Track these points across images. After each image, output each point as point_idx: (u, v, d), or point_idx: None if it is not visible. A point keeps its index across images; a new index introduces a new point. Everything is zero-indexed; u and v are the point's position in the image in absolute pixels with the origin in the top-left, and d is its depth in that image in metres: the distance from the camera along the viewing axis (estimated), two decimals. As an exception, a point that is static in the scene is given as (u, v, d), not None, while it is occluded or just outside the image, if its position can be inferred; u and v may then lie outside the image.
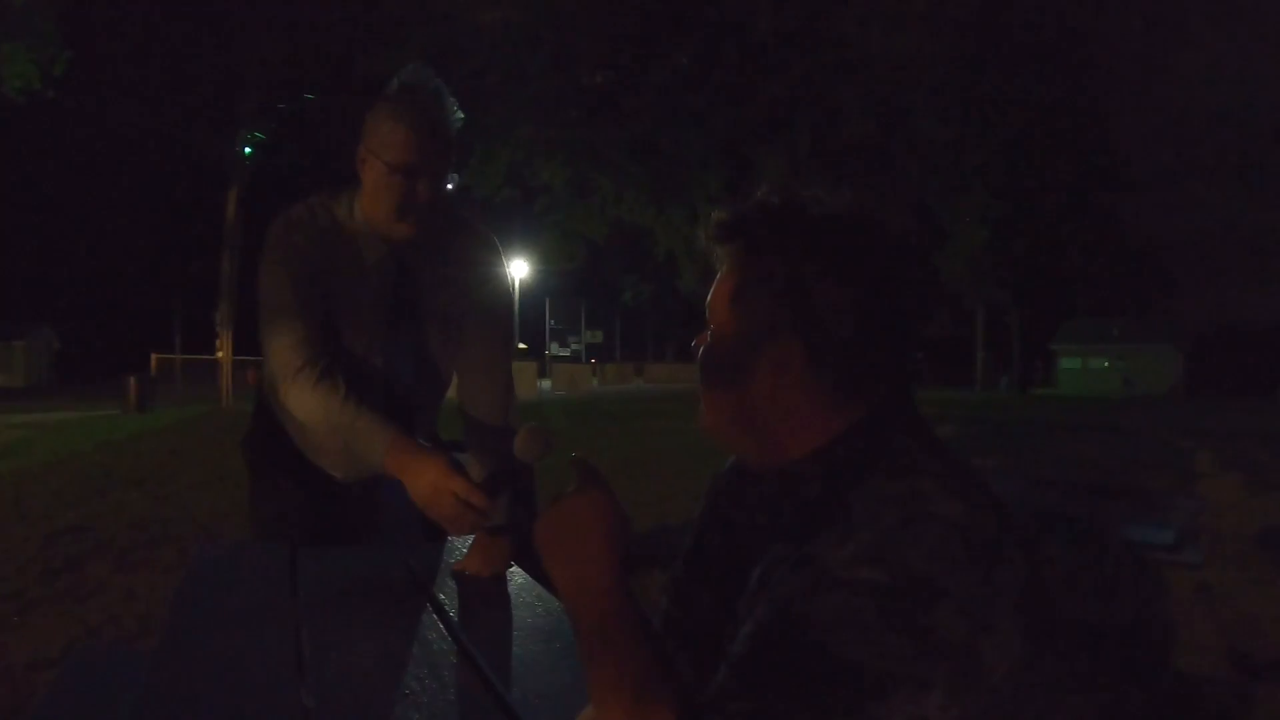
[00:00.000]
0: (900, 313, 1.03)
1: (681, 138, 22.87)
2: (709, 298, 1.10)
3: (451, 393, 2.37)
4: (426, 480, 1.78)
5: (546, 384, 40.78)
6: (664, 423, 19.18)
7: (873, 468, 0.95)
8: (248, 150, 22.98)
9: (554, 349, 62.87)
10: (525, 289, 45.41)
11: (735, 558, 1.13)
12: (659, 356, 69.25)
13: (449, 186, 2.09)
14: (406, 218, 2.05)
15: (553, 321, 63.09)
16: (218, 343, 25.08)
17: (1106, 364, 54.12)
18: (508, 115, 21.22)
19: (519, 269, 39.56)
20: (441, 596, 1.80)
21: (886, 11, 21.46)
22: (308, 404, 1.99)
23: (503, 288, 2.31)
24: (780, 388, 1.02)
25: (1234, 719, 3.52)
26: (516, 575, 1.99)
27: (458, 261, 2.23)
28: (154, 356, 28.55)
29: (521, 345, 49.70)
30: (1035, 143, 31.33)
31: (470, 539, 2.05)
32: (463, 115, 2.06)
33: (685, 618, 1.24)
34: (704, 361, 1.09)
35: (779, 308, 1.01)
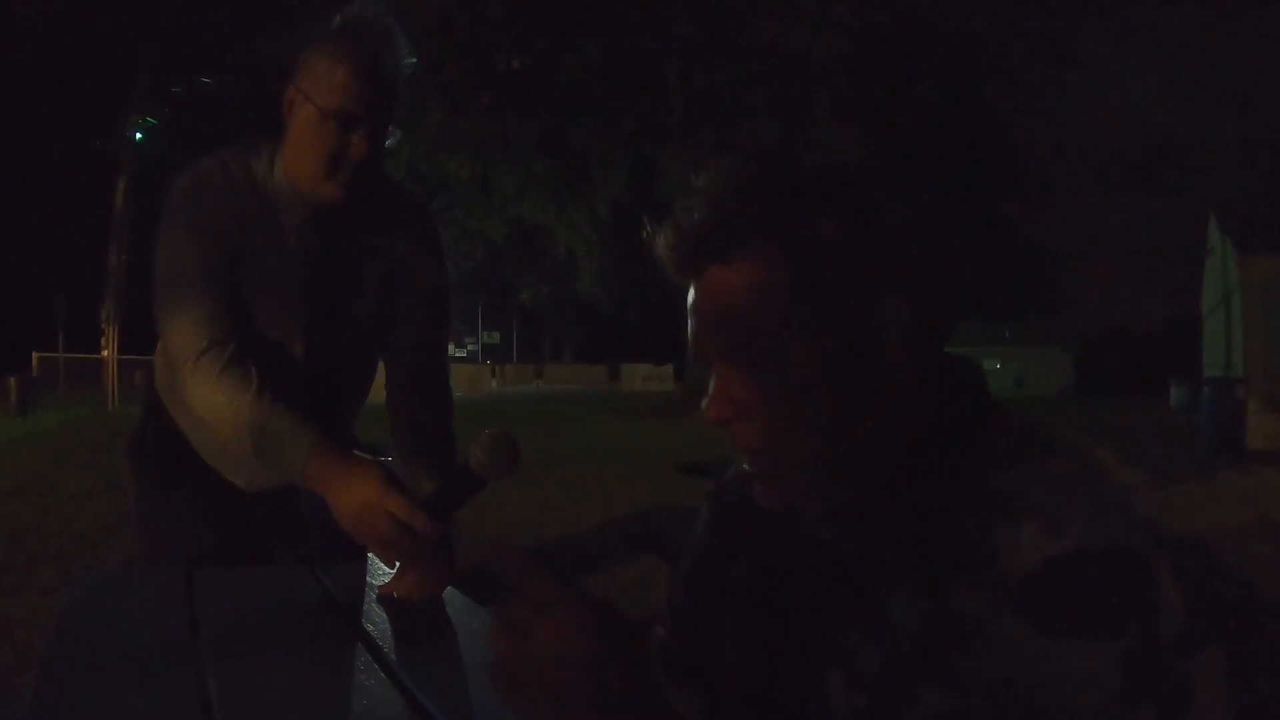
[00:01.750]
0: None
1: (593, 133, 22.65)
2: (726, 311, 0.87)
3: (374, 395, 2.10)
4: (356, 496, 1.49)
5: (447, 385, 40.07)
6: (569, 424, 18.94)
7: (1017, 450, 0.84)
8: (139, 136, 21.95)
9: (451, 349, 62.00)
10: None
11: (775, 588, 0.99)
12: (557, 357, 68.84)
13: (388, 143, 1.79)
14: (337, 174, 1.73)
15: (449, 321, 62.11)
16: (103, 341, 23.95)
17: (999, 365, 55.39)
18: (416, 103, 20.69)
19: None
20: (370, 627, 1.55)
21: (797, 15, 21.56)
22: (211, 395, 1.68)
23: (441, 268, 2.03)
24: (864, 373, 0.86)
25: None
26: (454, 598, 1.74)
27: (391, 232, 1.93)
28: (35, 355, 27.21)
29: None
30: (934, 150, 32.02)
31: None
32: (414, 60, 1.79)
33: (694, 649, 1.08)
34: (774, 386, 0.87)
35: (863, 274, 0.85)
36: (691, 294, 0.90)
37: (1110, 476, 0.81)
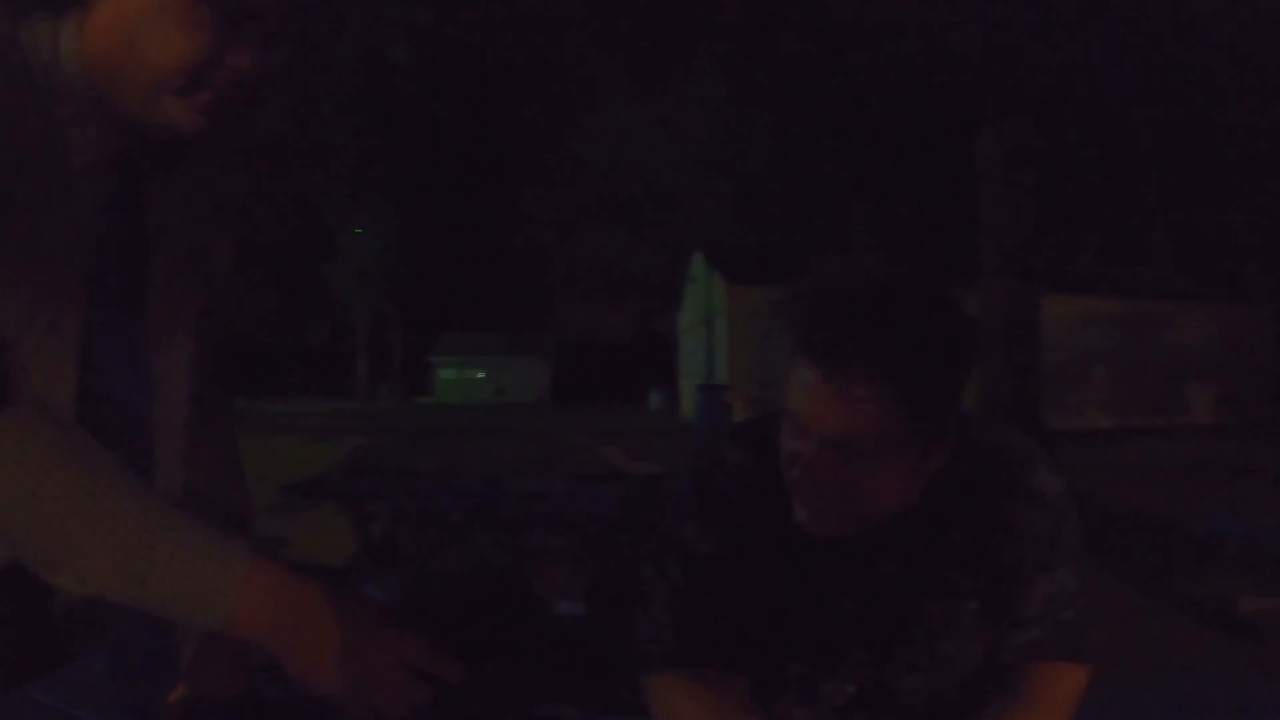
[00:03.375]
0: None
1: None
2: (840, 427, 1.09)
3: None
4: (350, 646, 0.92)
5: None
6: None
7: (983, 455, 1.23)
8: None
9: None
10: None
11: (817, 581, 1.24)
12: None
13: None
14: (194, 94, 1.01)
15: None
16: None
17: (481, 374, 57.52)
18: None
19: None
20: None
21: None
22: (24, 474, 0.88)
23: (235, 253, 1.35)
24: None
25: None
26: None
27: (196, 193, 1.22)
28: None
29: None
30: (440, 168, 32.60)
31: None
32: None
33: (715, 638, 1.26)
34: (870, 472, 1.11)
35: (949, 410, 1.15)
36: (829, 389, 1.07)
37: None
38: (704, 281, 25.80)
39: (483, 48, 27.90)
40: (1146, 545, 6.36)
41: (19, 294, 1.01)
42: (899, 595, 1.23)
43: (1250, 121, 21.99)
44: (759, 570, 1.25)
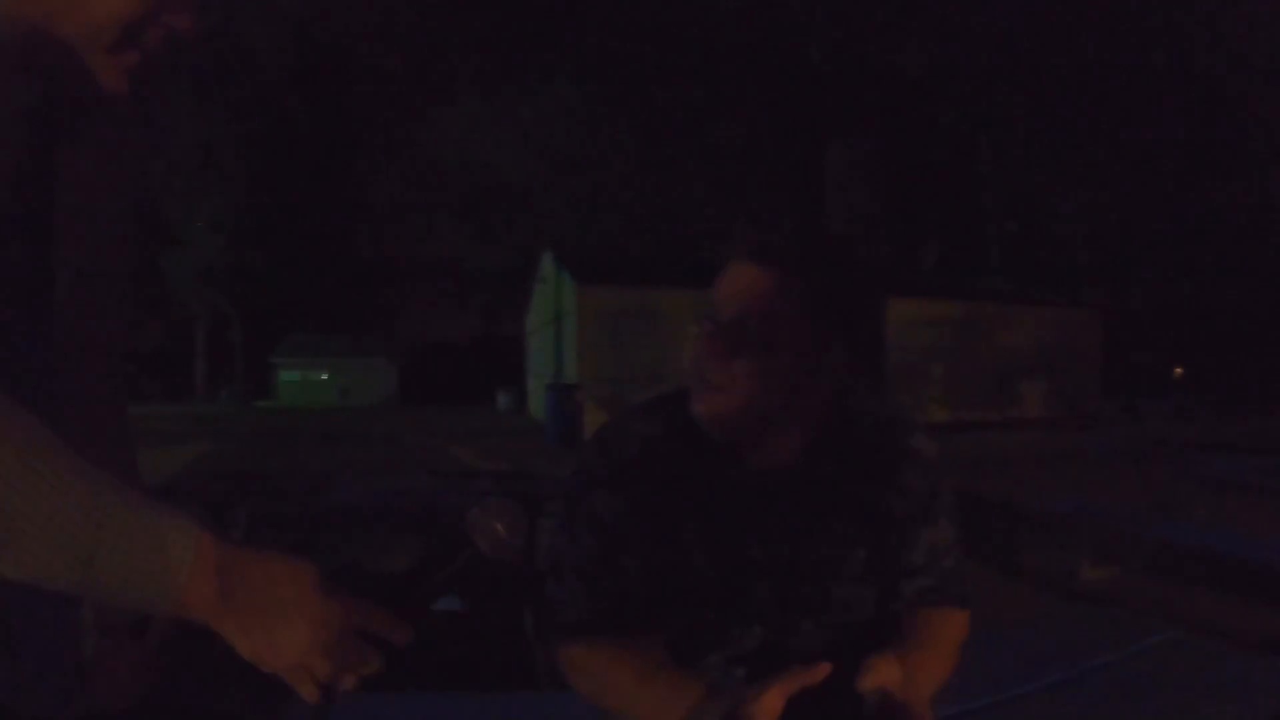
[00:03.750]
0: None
1: None
2: (741, 301, 1.24)
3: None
4: (306, 614, 0.87)
5: None
6: None
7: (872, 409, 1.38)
8: None
9: None
10: None
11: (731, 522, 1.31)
12: None
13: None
14: (122, 53, 0.96)
15: None
16: None
17: (325, 376, 56.01)
18: None
19: None
20: None
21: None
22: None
23: (135, 232, 1.25)
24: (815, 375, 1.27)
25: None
26: None
27: (114, 150, 1.10)
28: None
29: None
30: (285, 162, 31.67)
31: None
32: None
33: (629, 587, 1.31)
34: (757, 356, 1.22)
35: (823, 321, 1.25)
36: (741, 267, 1.24)
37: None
38: (553, 281, 25.82)
39: (335, 41, 27.18)
40: (990, 525, 6.70)
41: None
42: (796, 543, 1.31)
43: (1081, 136, 23.35)
44: (667, 529, 1.29)
